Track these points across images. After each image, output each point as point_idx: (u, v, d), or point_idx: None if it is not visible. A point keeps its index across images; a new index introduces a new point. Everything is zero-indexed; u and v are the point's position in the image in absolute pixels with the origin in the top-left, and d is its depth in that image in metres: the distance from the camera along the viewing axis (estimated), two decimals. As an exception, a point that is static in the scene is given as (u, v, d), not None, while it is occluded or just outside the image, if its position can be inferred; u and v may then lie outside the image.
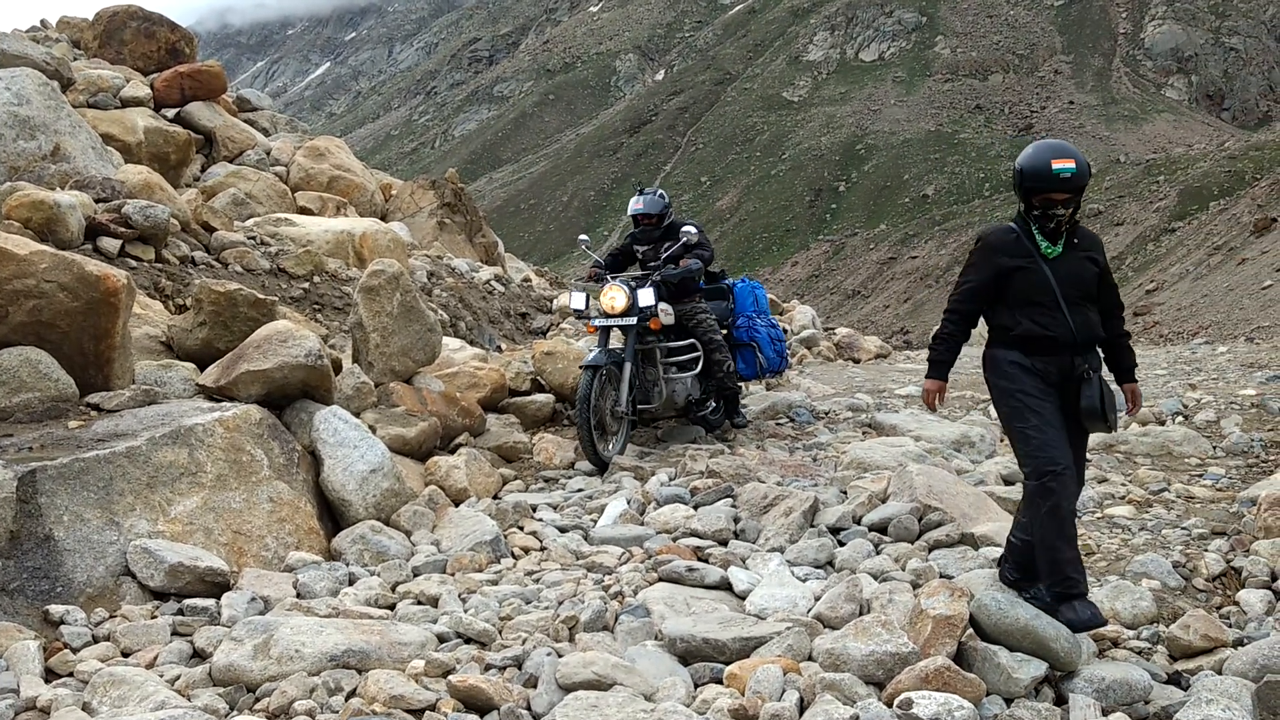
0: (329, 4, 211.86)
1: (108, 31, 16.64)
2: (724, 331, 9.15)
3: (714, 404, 8.88)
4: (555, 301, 14.09)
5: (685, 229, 8.53)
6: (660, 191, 9.04)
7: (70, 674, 4.40)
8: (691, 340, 8.62)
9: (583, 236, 9.62)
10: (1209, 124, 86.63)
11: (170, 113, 15.22)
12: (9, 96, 9.94)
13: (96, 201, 8.81)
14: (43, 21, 18.28)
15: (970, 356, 13.58)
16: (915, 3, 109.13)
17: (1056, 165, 4.46)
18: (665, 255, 8.62)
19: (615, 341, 8.41)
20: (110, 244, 8.46)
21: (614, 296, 8.18)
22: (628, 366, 8.12)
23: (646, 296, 8.16)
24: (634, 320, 8.18)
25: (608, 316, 8.24)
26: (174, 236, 9.41)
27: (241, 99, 18.00)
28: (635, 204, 8.91)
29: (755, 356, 9.15)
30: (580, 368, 8.12)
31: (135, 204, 8.80)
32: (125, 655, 4.62)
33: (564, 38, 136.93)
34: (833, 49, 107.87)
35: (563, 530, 6.48)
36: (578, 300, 8.66)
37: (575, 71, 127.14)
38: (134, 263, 8.62)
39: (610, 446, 8.01)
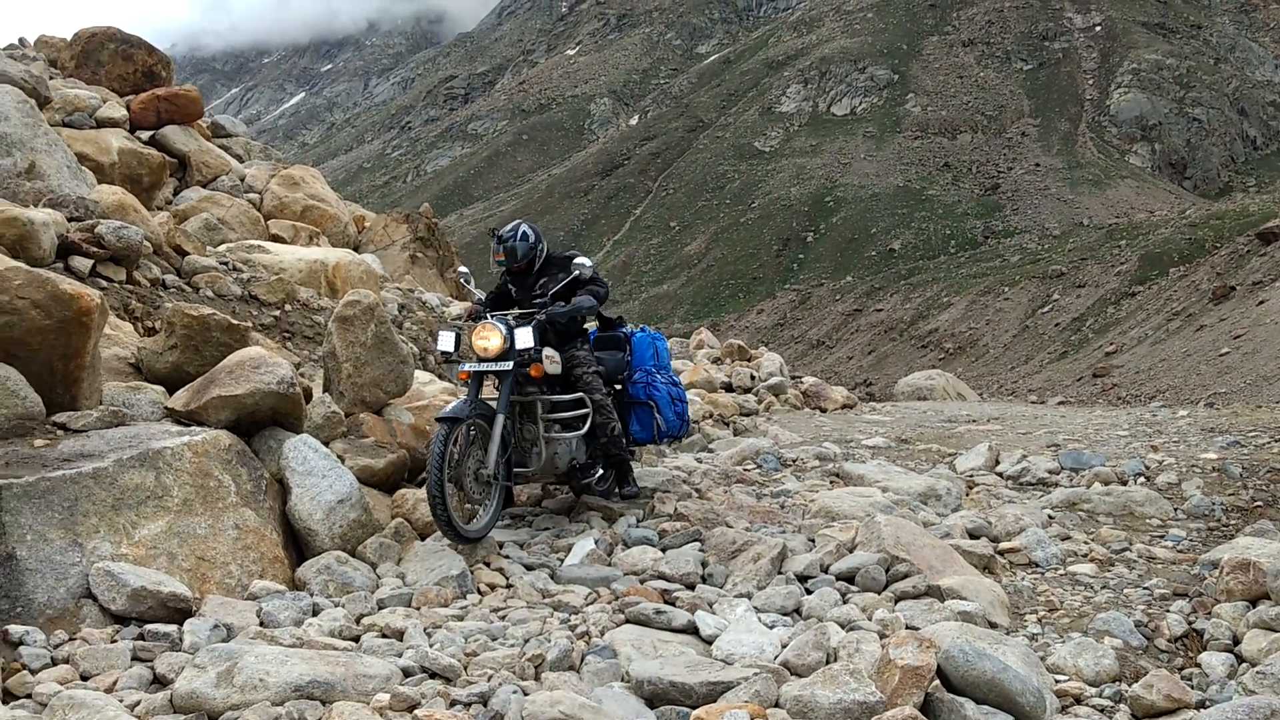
0: (306, 35, 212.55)
1: (85, 52, 16.56)
2: (619, 387, 7.98)
3: (601, 471, 7.64)
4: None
5: (577, 260, 7.36)
6: (523, 230, 7.54)
7: (28, 695, 4.33)
8: (580, 395, 7.26)
9: (462, 269, 8.34)
10: (1171, 191, 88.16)
11: (145, 135, 15.14)
12: (-14, 112, 9.89)
13: (70, 220, 8.73)
14: (21, 40, 18.19)
15: (933, 410, 13.73)
16: (888, 60, 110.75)
17: None
18: (552, 290, 7.34)
19: (491, 389, 7.12)
20: (82, 263, 8.38)
21: (487, 337, 6.87)
22: (499, 421, 6.71)
23: (525, 337, 6.82)
24: (510, 365, 6.83)
25: (480, 360, 6.91)
26: (146, 259, 9.34)
27: (216, 125, 17.90)
28: (496, 255, 7.52)
29: (653, 418, 7.91)
30: (435, 420, 6.82)
31: (109, 224, 8.73)
32: (84, 678, 4.55)
33: (540, 79, 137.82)
34: (805, 101, 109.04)
35: (529, 568, 6.45)
36: (445, 341, 7.24)
37: (550, 113, 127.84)
38: (105, 283, 8.54)
39: (477, 518, 6.67)
